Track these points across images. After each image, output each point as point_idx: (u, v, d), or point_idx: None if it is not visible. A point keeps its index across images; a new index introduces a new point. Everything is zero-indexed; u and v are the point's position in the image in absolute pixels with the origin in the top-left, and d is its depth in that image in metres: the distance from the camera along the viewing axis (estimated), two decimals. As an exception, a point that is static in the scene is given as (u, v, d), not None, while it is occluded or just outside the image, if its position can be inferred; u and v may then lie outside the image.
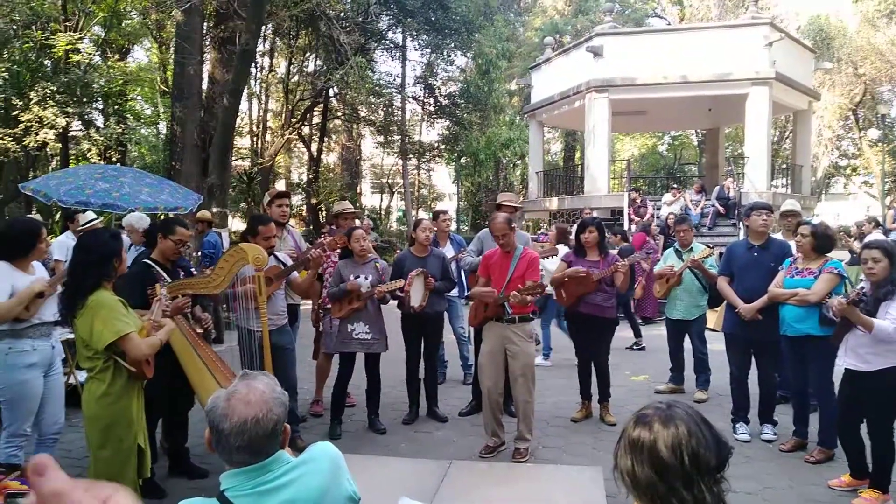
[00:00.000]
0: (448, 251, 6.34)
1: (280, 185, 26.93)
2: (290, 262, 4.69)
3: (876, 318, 3.59)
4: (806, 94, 16.64)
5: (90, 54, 15.23)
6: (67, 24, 15.14)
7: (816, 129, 23.04)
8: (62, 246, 6.30)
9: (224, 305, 4.30)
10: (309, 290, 5.05)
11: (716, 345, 5.92)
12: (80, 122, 16.35)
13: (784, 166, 18.23)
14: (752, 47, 14.28)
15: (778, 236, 5.70)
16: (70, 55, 13.95)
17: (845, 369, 3.88)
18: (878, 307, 3.63)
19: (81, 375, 4.42)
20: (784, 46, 14.84)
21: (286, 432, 1.63)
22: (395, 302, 5.18)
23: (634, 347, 8.43)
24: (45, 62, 14.40)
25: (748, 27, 14.77)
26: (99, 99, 16.45)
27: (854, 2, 22.19)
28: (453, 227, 6.35)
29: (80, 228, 6.23)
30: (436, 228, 6.02)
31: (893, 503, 3.71)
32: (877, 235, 9.74)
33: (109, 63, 16.25)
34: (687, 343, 6.18)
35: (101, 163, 16.28)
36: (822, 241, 4.41)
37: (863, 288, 3.69)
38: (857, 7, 22.36)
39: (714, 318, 7.89)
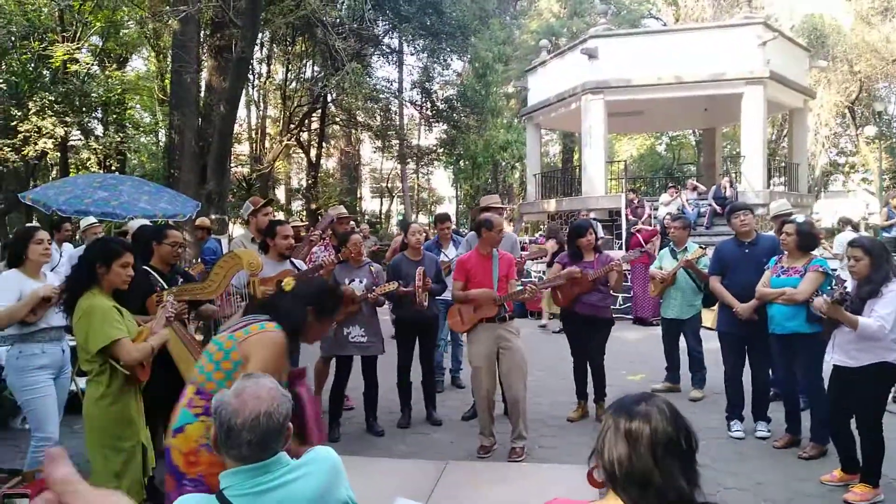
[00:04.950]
0: (451, 252, 6.34)
1: (280, 192, 27.02)
2: (304, 268, 4.79)
3: (861, 316, 3.64)
4: (801, 93, 16.67)
5: (88, 64, 15.28)
6: (65, 34, 15.20)
7: (814, 126, 23.06)
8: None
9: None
10: None
11: (711, 343, 5.96)
12: (79, 132, 16.41)
13: (782, 165, 18.25)
14: (746, 47, 14.31)
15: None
16: (68, 65, 14.01)
17: (833, 366, 3.92)
18: (863, 305, 3.69)
19: (82, 382, 4.48)
20: (778, 45, 14.88)
21: (289, 430, 1.67)
22: (389, 307, 5.22)
23: None
24: (44, 72, 14.46)
25: (742, 27, 14.80)
26: (98, 108, 16.53)
27: (848, -1, 22.24)
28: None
29: (82, 231, 6.35)
30: (435, 231, 6.06)
31: (884, 497, 3.75)
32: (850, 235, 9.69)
33: (108, 72, 16.33)
34: (683, 342, 6.24)
35: (101, 171, 16.35)
36: (807, 238, 4.46)
37: (845, 286, 3.75)
38: (850, 5, 22.37)
39: (711, 317, 7.93)
